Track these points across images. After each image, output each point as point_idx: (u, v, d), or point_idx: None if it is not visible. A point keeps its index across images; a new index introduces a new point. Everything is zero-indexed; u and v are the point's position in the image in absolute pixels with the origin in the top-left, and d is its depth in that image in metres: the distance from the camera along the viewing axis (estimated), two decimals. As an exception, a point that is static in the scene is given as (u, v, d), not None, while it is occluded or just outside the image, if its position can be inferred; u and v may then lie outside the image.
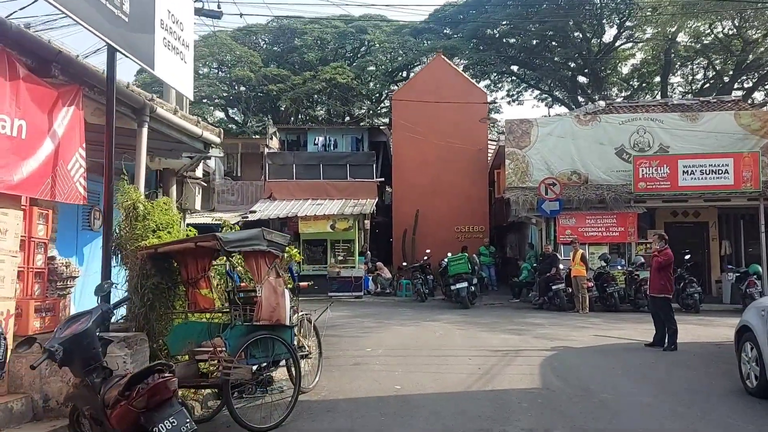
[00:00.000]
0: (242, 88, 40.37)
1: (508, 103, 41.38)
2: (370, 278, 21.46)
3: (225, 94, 40.60)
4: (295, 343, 6.58)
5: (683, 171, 18.65)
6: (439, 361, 9.23)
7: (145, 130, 7.39)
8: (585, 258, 16.76)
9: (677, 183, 18.62)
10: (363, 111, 35.58)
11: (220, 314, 6.36)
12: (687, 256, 16.86)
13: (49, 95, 5.76)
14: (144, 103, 7.31)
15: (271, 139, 24.82)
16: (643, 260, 16.80)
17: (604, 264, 17.15)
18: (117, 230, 6.34)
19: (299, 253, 21.09)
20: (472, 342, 10.97)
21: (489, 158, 25.46)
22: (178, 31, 7.44)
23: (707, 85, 35.44)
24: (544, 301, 17.21)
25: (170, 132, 8.60)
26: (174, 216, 6.71)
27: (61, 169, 5.93)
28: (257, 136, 28.43)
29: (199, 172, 11.50)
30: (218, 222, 11.18)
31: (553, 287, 16.79)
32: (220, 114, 43.73)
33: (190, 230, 7.42)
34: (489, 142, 25.53)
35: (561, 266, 17.46)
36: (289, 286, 6.93)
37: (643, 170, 18.83)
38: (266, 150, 23.45)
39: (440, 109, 24.21)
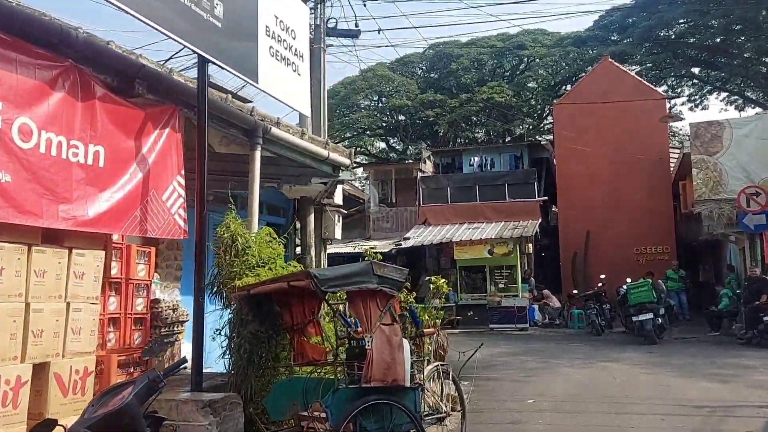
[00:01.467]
0: (401, 117, 40.42)
1: (690, 109, 36.69)
2: (536, 308, 19.41)
3: (384, 124, 40.88)
4: (423, 406, 5.22)
5: None
6: (620, 420, 7.28)
7: (257, 154, 6.59)
8: (809, 282, 13.45)
9: None
10: (523, 129, 33.55)
11: (324, 369, 5.19)
12: None
13: (135, 116, 5.08)
14: (255, 123, 6.51)
15: (425, 163, 23.92)
16: None
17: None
18: (216, 268, 5.51)
19: (453, 281, 19.87)
20: (663, 392, 8.78)
21: (671, 169, 22.23)
22: (288, 40, 6.58)
23: None
24: (753, 335, 14.06)
25: (294, 156, 7.81)
26: (278, 249, 5.74)
27: (153, 201, 5.20)
28: (410, 161, 27.75)
29: (338, 198, 10.68)
30: (360, 251, 10.20)
31: (765, 318, 13.63)
32: (381, 144, 44.15)
33: (293, 265, 6.42)
34: (671, 150, 22.34)
35: (774, 293, 14.24)
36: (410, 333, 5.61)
37: None
38: (419, 174, 22.54)
39: (611, 115, 21.68)
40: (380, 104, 41.61)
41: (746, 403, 7.93)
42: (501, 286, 19.73)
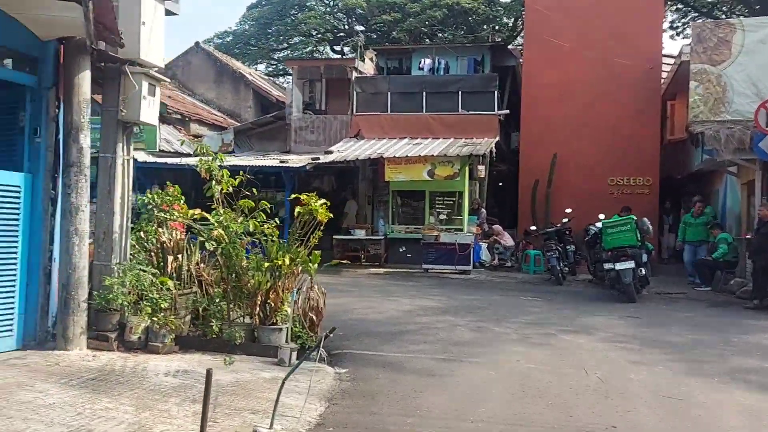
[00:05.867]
0: (356, 25, 35.36)
1: (671, 37, 32.35)
2: (483, 246, 15.57)
3: (335, 30, 35.73)
4: None
5: None
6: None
7: None
8: None
9: None
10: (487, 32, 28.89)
11: None
12: None
13: None
14: None
15: (363, 61, 19.28)
16: None
17: None
18: None
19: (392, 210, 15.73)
20: (675, 407, 5.00)
21: (662, 83, 18.18)
22: None
23: None
24: (764, 294, 10.51)
25: None
26: None
27: None
28: (345, 57, 23.07)
29: (151, 53, 6.21)
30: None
31: (786, 276, 10.02)
32: (329, 52, 38.97)
33: None
34: (664, 59, 18.21)
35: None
36: None
37: None
38: (354, 75, 17.99)
39: (595, 12, 17.37)
40: (332, 3, 36.37)
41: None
42: (443, 217, 15.75)
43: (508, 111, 18.10)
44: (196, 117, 19.42)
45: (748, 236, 12.07)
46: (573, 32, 17.36)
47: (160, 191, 7.50)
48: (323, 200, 6.54)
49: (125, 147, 6.35)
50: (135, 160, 15.36)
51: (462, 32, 31.59)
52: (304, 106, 18.68)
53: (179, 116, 18.60)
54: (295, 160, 15.50)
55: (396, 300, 10.39)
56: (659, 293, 12.21)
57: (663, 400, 5.22)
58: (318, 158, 15.20)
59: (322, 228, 6.55)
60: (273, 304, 6.18)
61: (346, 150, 16.02)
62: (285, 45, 36.81)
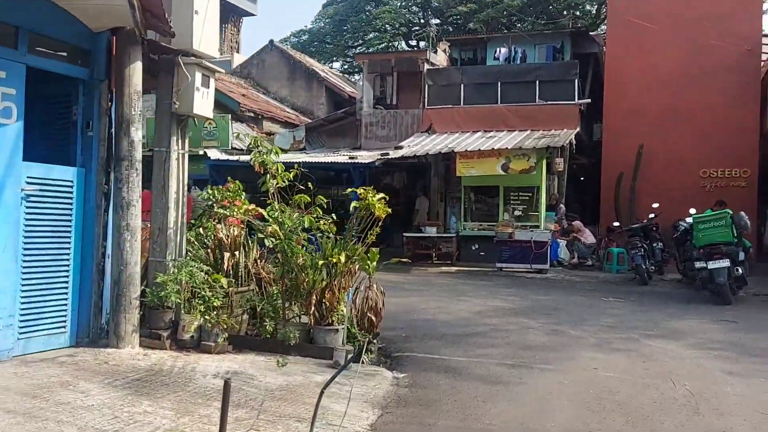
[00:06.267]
0: (430, 18, 34.90)
1: None
2: (561, 243, 14.75)
3: (409, 24, 35.35)
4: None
5: None
6: None
7: None
8: None
9: None
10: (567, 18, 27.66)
11: None
12: None
13: None
14: None
15: (436, 53, 18.78)
16: None
17: None
18: None
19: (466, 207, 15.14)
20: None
21: (762, 66, 16.66)
22: None
23: None
24: None
25: None
26: None
27: None
28: (417, 50, 22.61)
29: (208, 45, 6.08)
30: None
31: None
32: (403, 46, 38.69)
33: None
34: (765, 40, 16.67)
35: None
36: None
37: None
38: (426, 67, 17.53)
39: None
40: (403, -1, 36.00)
41: None
42: (518, 213, 15.05)
43: (589, 100, 17.12)
44: (269, 115, 19.61)
45: None
46: (661, 13, 16.19)
47: (220, 187, 7.39)
48: (381, 195, 6.14)
49: (180, 141, 6.21)
50: (208, 157, 15.70)
51: (542, 22, 30.47)
52: (375, 101, 18.42)
53: (252, 114, 18.81)
54: (365, 156, 15.25)
55: (466, 300, 9.91)
56: (758, 294, 11.10)
57: (764, 419, 4.51)
58: (387, 154, 14.89)
59: (380, 224, 6.16)
60: (329, 304, 5.88)
61: (417, 145, 15.61)
62: (360, 41, 36.78)
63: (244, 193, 7.27)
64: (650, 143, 16.11)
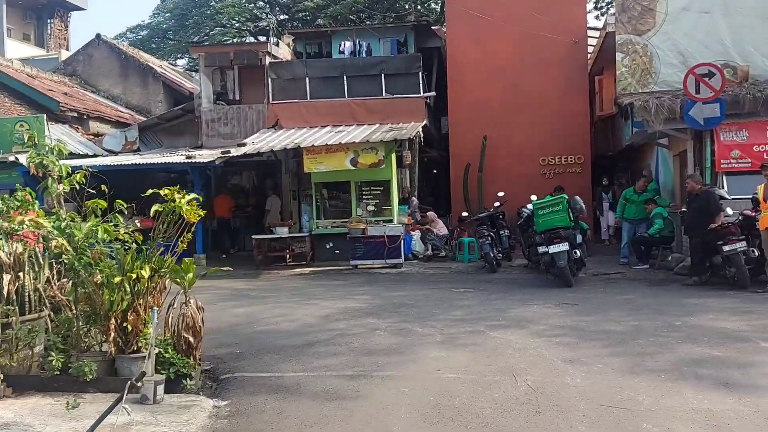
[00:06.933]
0: (277, 13, 33.90)
1: (596, 17, 32.09)
2: (415, 236, 14.64)
3: (255, 19, 34.09)
4: None
5: None
6: None
7: None
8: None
9: None
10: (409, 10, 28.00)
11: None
12: None
13: None
14: None
15: (278, 46, 17.96)
16: None
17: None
18: None
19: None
20: (619, 420, 4.12)
21: (588, 58, 17.68)
22: None
23: None
24: (704, 273, 9.96)
25: None
26: None
27: None
28: (256, 42, 21.70)
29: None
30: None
31: (725, 248, 9.44)
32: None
33: None
34: (589, 32, 17.68)
35: (729, 211, 10.14)
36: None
37: None
38: (269, 60, 16.68)
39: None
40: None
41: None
42: (372, 208, 14.71)
43: (434, 93, 17.21)
44: (96, 114, 17.72)
45: (683, 209, 11.52)
46: (496, 6, 16.59)
47: (6, 196, 6.17)
48: (193, 195, 5.33)
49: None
50: (20, 164, 13.74)
51: (390, 19, 30.69)
52: (216, 96, 17.26)
53: (75, 114, 16.86)
54: (205, 155, 14.13)
55: (314, 304, 9.30)
56: (596, 275, 11.59)
57: (605, 411, 4.33)
58: (229, 151, 13.89)
59: (191, 230, 5.35)
60: (132, 327, 4.99)
61: (261, 141, 14.76)
62: (205, 37, 34.94)
63: (37, 203, 6.12)
64: (493, 134, 16.49)
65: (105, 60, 21.26)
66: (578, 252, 10.44)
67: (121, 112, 19.66)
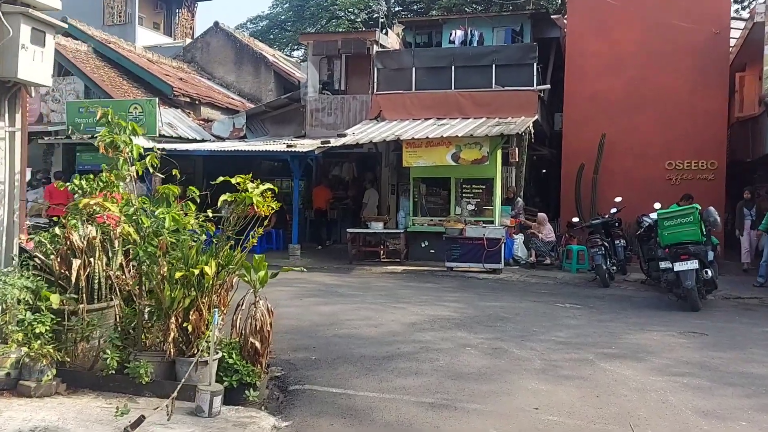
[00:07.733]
0: (392, 4, 33.53)
1: (737, 11, 28.81)
2: (518, 240, 13.58)
3: (369, 9, 33.94)
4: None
5: None
6: None
7: None
8: None
9: None
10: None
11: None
12: None
13: None
14: None
15: (387, 35, 17.39)
16: None
17: None
18: None
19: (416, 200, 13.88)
20: None
21: (730, 51, 15.69)
22: None
23: None
24: None
25: None
26: None
27: None
28: (365, 30, 21.20)
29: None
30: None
31: None
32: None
33: None
34: (733, 23, 15.70)
35: None
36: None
37: None
38: (375, 50, 16.16)
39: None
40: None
41: None
42: (471, 207, 13.82)
43: (549, 86, 15.98)
44: (208, 100, 18.02)
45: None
46: (624, -6, 15.09)
47: (92, 176, 5.95)
48: (268, 185, 4.79)
49: (7, 114, 4.78)
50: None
51: (509, 9, 29.44)
52: (322, 85, 17.00)
53: (188, 99, 17.21)
54: (306, 145, 13.83)
55: (402, 308, 8.64)
56: (727, 298, 10.10)
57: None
58: (328, 141, 13.50)
59: (266, 224, 4.82)
60: (194, 328, 4.53)
61: (362, 132, 14.26)
62: (320, 28, 35.29)
63: (121, 184, 5.86)
64: (612, 132, 15.05)
65: (221, 47, 21.71)
66: (710, 272, 9.06)
67: (232, 99, 19.96)
